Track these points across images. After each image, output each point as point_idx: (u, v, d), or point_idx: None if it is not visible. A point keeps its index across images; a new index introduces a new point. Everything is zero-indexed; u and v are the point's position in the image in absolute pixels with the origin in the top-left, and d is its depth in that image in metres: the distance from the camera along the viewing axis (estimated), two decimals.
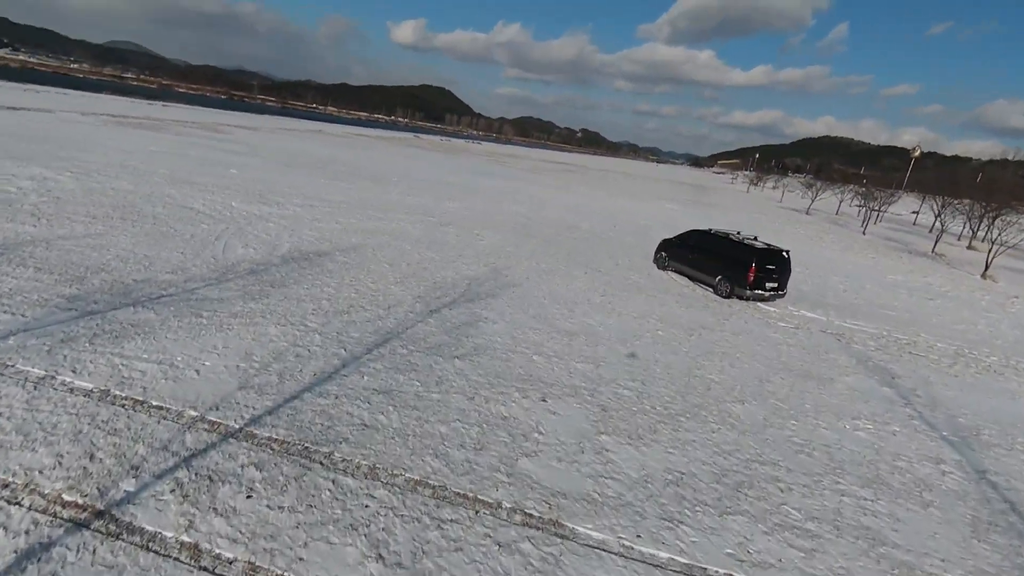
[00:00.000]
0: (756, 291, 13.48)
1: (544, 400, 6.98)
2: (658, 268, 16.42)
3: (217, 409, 5.68)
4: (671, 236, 17.33)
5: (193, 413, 5.55)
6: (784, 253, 13.87)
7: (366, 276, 11.06)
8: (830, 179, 63.96)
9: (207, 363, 6.61)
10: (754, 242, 14.07)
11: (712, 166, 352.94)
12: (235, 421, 5.52)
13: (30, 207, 12.25)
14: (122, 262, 9.66)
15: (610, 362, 8.57)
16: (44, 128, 27.52)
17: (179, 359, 6.60)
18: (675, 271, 16.04)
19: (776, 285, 13.74)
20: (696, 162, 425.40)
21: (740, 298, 13.84)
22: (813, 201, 53.39)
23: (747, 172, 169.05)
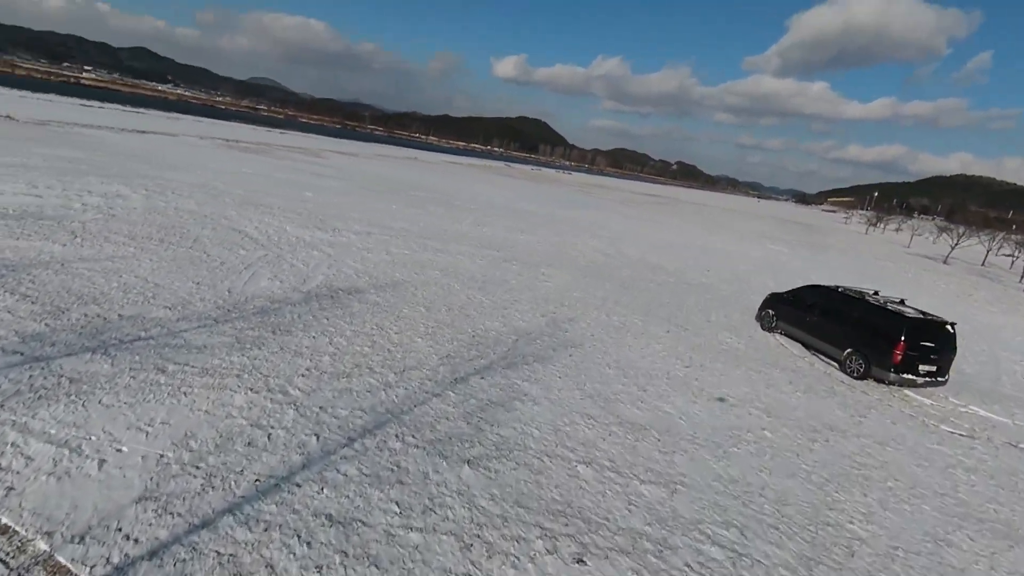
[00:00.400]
0: (905, 375, 9.97)
1: (582, 562, 4.50)
2: (763, 329, 13.19)
3: (80, 542, 3.85)
4: (780, 290, 14.05)
5: (41, 547, 3.75)
6: (949, 327, 10.26)
7: (393, 323, 9.22)
8: (967, 222, 54.71)
9: (124, 448, 4.90)
10: (902, 307, 10.60)
11: (821, 203, 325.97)
12: (90, 572, 3.65)
13: (78, 224, 11.89)
14: (124, 291, 8.55)
15: (693, 486, 5.88)
16: (155, 149, 29.54)
17: (94, 438, 4.95)
18: (785, 335, 12.75)
19: (934, 369, 10.12)
20: (803, 199, 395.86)
21: (879, 381, 10.37)
22: (954, 248, 45.49)
23: (864, 211, 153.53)
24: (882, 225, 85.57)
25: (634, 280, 16.38)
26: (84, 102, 72.57)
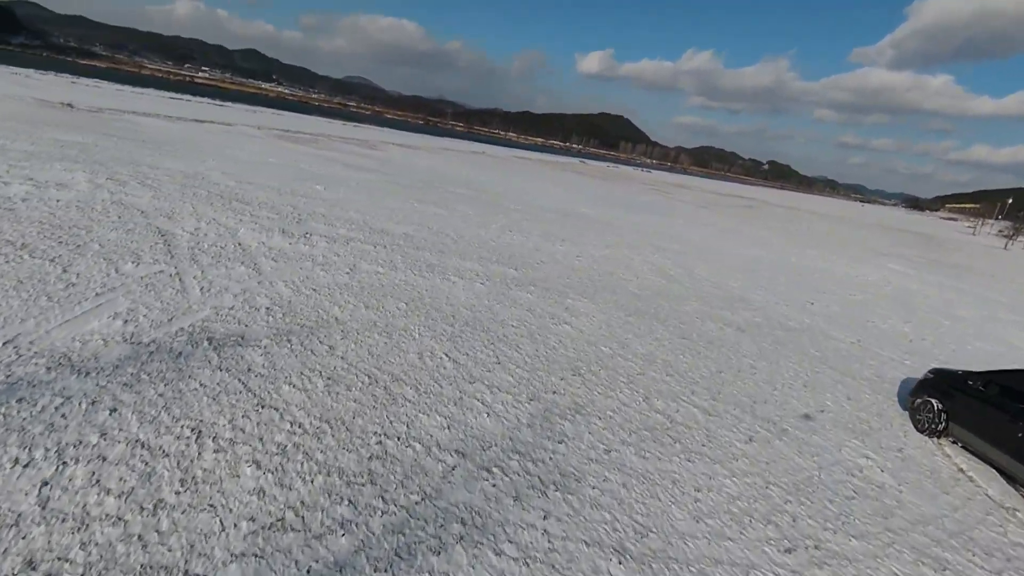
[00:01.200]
0: None
1: None
2: (919, 430, 7.95)
3: None
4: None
5: None
6: None
7: (231, 422, 5.22)
8: None
9: None
10: None
11: (938, 209, 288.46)
12: None
13: None
14: None
15: None
16: (189, 136, 27.93)
17: None
18: (965, 447, 7.47)
19: None
20: (915, 204, 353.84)
21: None
22: None
23: (995, 220, 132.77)
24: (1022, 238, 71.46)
25: (703, 321, 11.42)
26: (176, 95, 76.26)
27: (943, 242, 55.98)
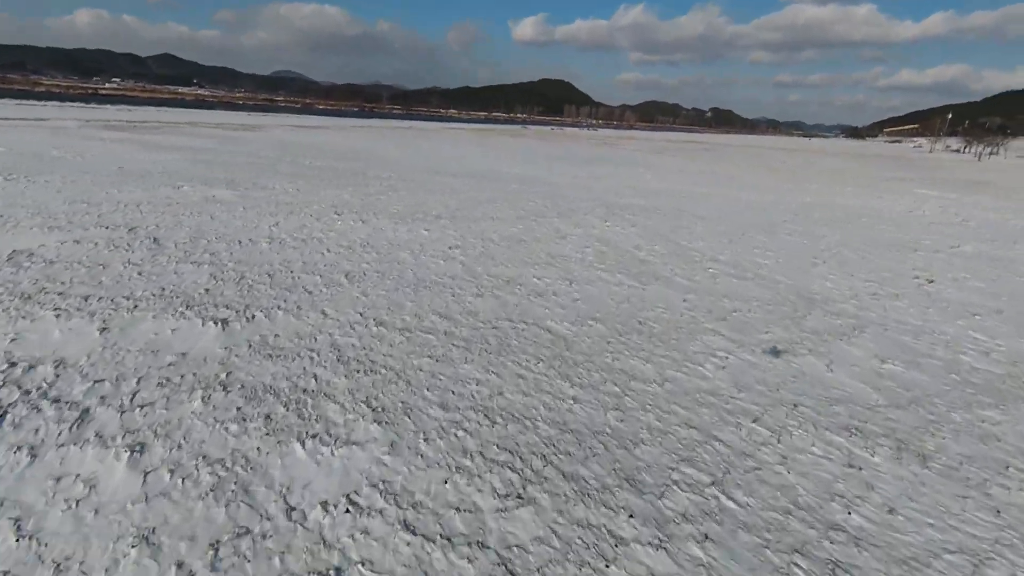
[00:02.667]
0: None
1: None
2: None
3: None
4: None
5: None
6: None
7: None
8: None
9: None
10: None
11: (876, 136, 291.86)
12: None
13: None
14: None
15: None
16: None
17: None
18: None
19: None
20: (854, 133, 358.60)
21: None
22: None
23: (935, 138, 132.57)
24: (1000, 151, 67.61)
25: (718, 429, 3.93)
26: (23, 102, 63.74)
27: (920, 163, 50.71)
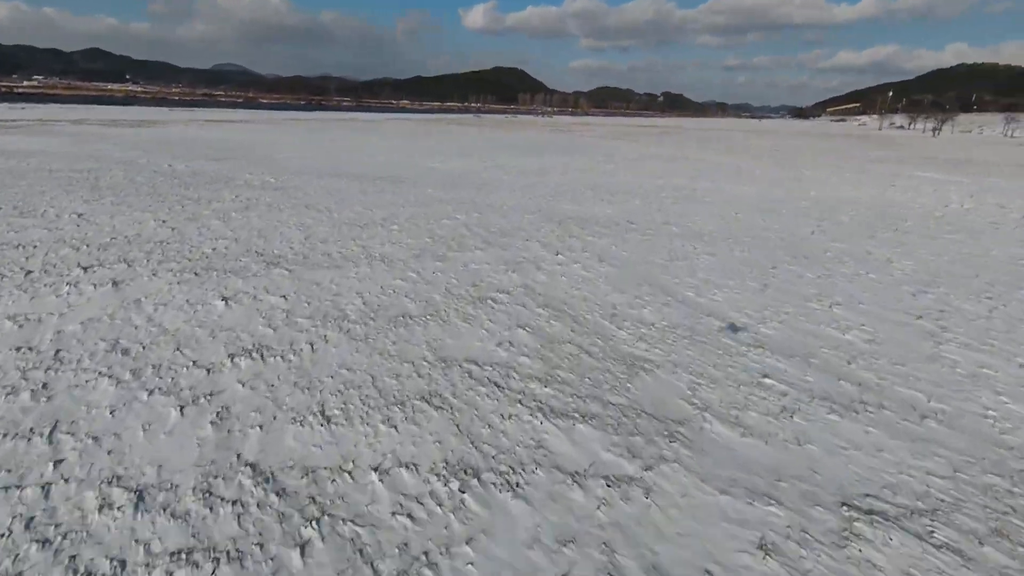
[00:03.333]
0: None
1: None
2: None
3: None
4: None
5: None
6: None
7: None
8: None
9: None
10: None
11: (819, 116, 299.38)
12: None
13: None
14: None
15: None
16: None
17: None
18: None
19: None
20: (799, 113, 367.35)
21: None
22: None
23: (879, 116, 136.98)
24: (950, 127, 67.56)
25: None
26: None
27: (883, 140, 49.24)
